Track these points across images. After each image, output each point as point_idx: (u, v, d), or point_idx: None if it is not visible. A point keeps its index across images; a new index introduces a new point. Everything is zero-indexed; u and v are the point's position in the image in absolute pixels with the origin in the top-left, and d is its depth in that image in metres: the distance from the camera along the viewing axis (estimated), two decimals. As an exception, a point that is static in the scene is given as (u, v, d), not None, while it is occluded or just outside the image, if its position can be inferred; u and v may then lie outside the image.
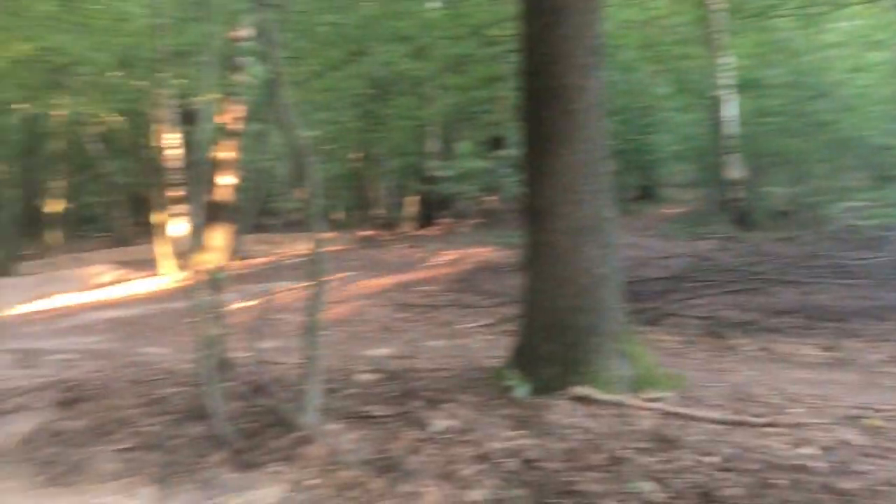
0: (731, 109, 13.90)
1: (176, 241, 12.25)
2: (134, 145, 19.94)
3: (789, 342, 5.95)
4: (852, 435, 3.24)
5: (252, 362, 4.53)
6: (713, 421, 3.46)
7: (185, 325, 7.26)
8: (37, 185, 20.18)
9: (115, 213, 20.54)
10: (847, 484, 2.74)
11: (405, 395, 4.05)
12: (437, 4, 12.39)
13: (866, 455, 3.02)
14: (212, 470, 3.43)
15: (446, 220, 16.35)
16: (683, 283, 7.90)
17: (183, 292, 9.18)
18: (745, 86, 13.98)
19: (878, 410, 3.58)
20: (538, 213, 4.05)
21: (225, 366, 4.35)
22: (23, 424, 4.57)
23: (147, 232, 18.59)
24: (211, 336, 4.03)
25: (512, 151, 10.58)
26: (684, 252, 10.07)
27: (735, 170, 13.96)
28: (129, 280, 11.71)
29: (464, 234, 14.06)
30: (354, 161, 18.07)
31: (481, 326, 6.89)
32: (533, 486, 2.98)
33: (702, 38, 14.40)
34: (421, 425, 3.54)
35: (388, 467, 3.16)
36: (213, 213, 10.76)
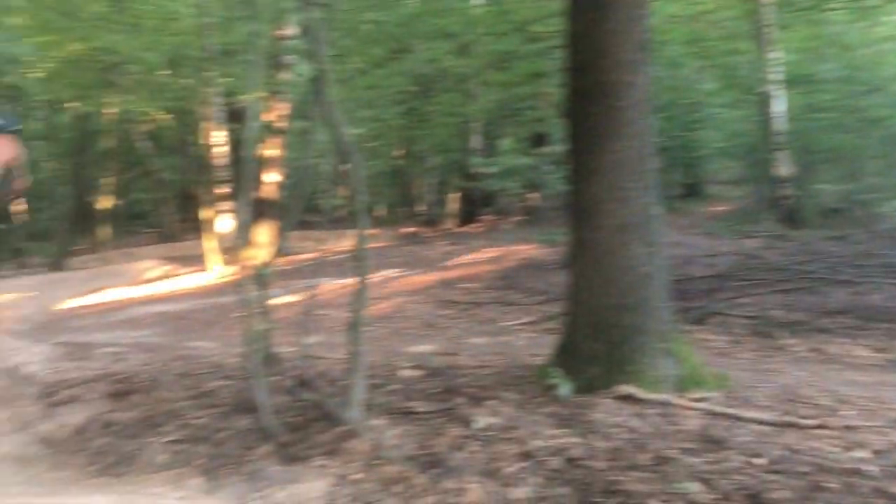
0: (780, 105, 13.63)
1: (222, 238, 12.45)
2: (181, 143, 20.33)
3: (840, 343, 5.82)
4: (906, 438, 3.16)
5: (297, 357, 4.58)
6: (761, 422, 3.40)
7: (231, 319, 7.39)
8: (88, 181, 20.67)
9: (162, 209, 20.95)
10: (901, 488, 2.68)
11: (448, 391, 4.06)
12: (481, 1, 12.39)
13: (921, 459, 2.94)
14: (258, 462, 3.48)
15: (489, 217, 16.33)
16: (730, 282, 7.78)
17: (229, 287, 9.34)
18: (795, 81, 13.71)
19: (933, 414, 3.49)
20: (583, 211, 4.03)
21: (271, 360, 4.41)
22: (75, 416, 4.69)
23: (194, 228, 18.95)
24: (258, 331, 4.09)
25: (555, 148, 10.53)
26: (731, 250, 9.90)
27: (784, 166, 13.69)
28: (177, 275, 11.94)
29: (506, 231, 14.03)
30: (397, 158, 18.16)
31: (524, 324, 6.87)
32: (577, 484, 2.96)
33: (751, 32, 14.14)
34: (464, 422, 3.54)
35: (431, 463, 3.17)
36: (259, 210, 10.93)
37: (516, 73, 11.92)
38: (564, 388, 3.77)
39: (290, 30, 11.21)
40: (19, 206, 18.95)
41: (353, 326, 3.83)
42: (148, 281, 11.59)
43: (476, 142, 16.09)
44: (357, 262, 3.96)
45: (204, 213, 13.04)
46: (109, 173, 19.53)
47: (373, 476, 3.14)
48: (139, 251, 17.06)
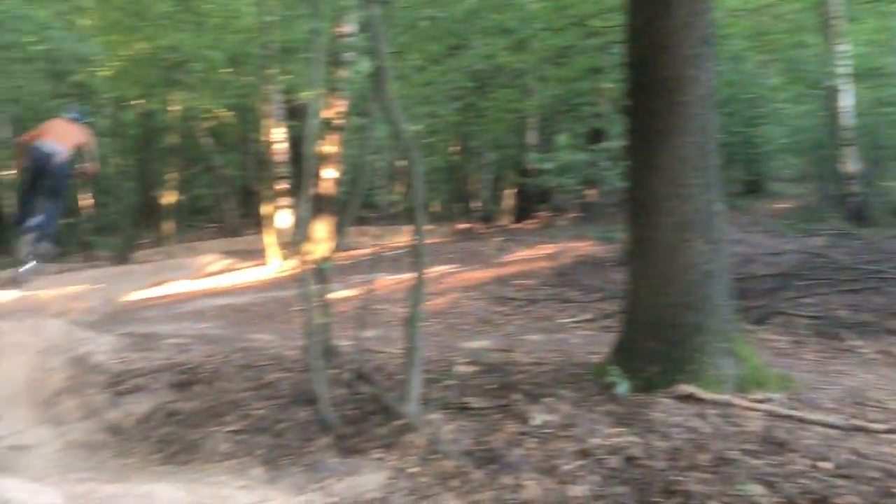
0: (847, 99, 13.22)
1: (282, 233, 12.65)
2: (242, 140, 20.70)
3: (910, 345, 5.63)
4: (981, 445, 3.04)
5: (355, 351, 4.64)
6: (827, 425, 3.32)
7: (290, 313, 7.51)
8: (152, 177, 21.22)
9: (223, 204, 21.36)
10: (976, 497, 2.58)
11: (504, 387, 4.06)
12: (539, -4, 12.34)
13: None
14: (317, 454, 3.54)
15: (544, 214, 16.24)
16: (793, 281, 7.58)
17: (289, 282, 9.49)
18: (864, 74, 13.28)
19: None
20: (643, 207, 3.98)
21: (330, 353, 4.47)
22: (140, 405, 4.83)
23: (253, 223, 19.29)
24: (317, 324, 4.16)
25: (612, 144, 10.41)
26: (794, 248, 9.65)
27: (851, 163, 13.28)
28: (238, 269, 12.15)
29: (562, 228, 13.93)
30: (452, 154, 18.19)
31: (580, 321, 6.82)
32: (635, 483, 2.94)
33: (817, 25, 13.75)
34: (520, 418, 3.54)
35: (488, 459, 3.18)
36: (317, 206, 11.07)
37: (574, 69, 11.83)
38: (622, 387, 3.74)
39: (349, 27, 11.32)
40: (86, 201, 19.58)
41: (410, 321, 3.86)
42: (210, 274, 11.82)
43: (532, 138, 16.01)
44: (414, 258, 3.98)
45: (264, 209, 13.26)
46: (173, 169, 19.99)
47: (430, 470, 3.16)
48: (201, 245, 17.43)
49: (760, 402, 3.60)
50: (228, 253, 14.35)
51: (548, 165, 11.46)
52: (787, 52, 14.53)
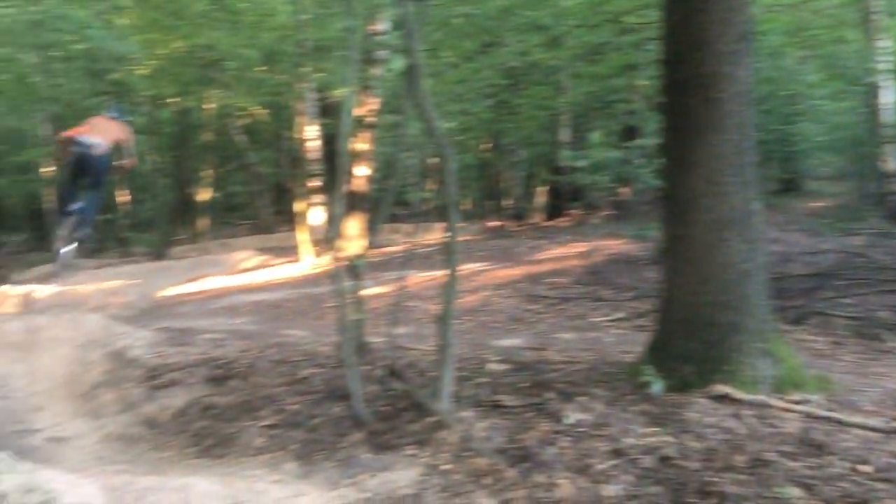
0: (888, 96, 12.96)
1: (315, 230, 12.74)
2: (276, 137, 20.88)
3: (953, 347, 5.51)
4: None
5: (387, 347, 4.65)
6: (866, 427, 3.26)
7: (323, 309, 7.57)
8: (188, 174, 21.50)
9: (257, 201, 21.58)
10: None
11: (536, 386, 4.05)
12: (573, -8, 12.23)
13: None
14: (350, 449, 3.56)
15: (577, 212, 16.15)
16: (832, 281, 7.45)
17: (321, 278, 9.55)
18: (905, 71, 13.00)
19: None
20: (679, 205, 3.93)
21: (363, 350, 4.49)
22: (176, 398, 4.89)
23: (286, 220, 19.46)
24: (351, 321, 4.18)
25: (646, 141, 10.30)
26: (833, 248, 9.48)
27: (891, 161, 13.02)
28: (271, 265, 12.27)
29: (595, 226, 13.85)
30: (484, 151, 18.16)
31: (614, 320, 6.77)
32: (670, 484, 2.91)
33: (857, 20, 13.49)
34: (554, 417, 3.53)
35: (521, 457, 3.17)
36: (350, 203, 11.13)
37: (608, 66, 11.74)
38: (657, 386, 3.70)
39: (382, 25, 11.36)
40: (123, 198, 19.89)
41: (443, 318, 3.86)
42: (244, 270, 11.96)
43: (565, 135, 15.93)
44: (447, 255, 3.98)
45: (297, 206, 13.37)
46: (208, 166, 20.24)
47: (462, 467, 3.16)
48: (235, 242, 17.63)
49: (798, 403, 3.54)
50: (262, 249, 14.50)
51: (581, 163, 11.38)
52: (826, 48, 14.29)
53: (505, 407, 3.76)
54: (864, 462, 2.89)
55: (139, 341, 5.94)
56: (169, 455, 4.24)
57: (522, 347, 5.41)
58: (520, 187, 19.27)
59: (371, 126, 11.93)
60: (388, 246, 11.69)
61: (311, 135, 13.11)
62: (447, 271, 3.93)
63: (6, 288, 10.04)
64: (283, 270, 11.42)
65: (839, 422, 3.32)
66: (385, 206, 5.33)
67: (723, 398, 3.56)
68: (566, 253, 10.59)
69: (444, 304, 3.89)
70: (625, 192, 14.66)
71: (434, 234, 13.35)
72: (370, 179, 12.29)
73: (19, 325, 6.37)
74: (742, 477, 2.87)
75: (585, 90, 13.71)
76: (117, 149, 7.14)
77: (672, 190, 4.02)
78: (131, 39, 14.04)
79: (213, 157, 20.47)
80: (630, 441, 3.23)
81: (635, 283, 8.10)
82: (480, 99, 12.98)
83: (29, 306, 8.87)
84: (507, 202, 18.49)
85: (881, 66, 12.93)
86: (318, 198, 13.32)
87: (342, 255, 4.80)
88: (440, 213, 4.09)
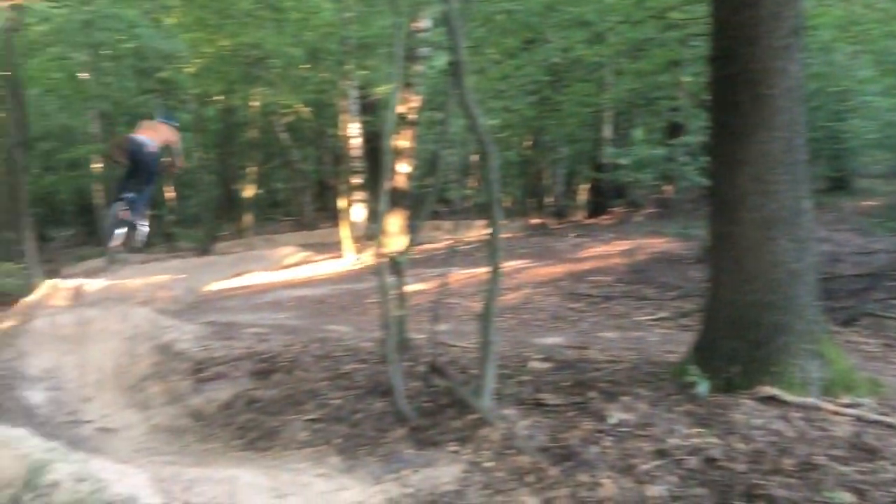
0: (943, 92, 12.59)
1: (356, 226, 12.83)
2: (318, 135, 21.07)
3: None
4: None
5: (429, 344, 4.66)
6: (920, 432, 3.17)
7: (365, 305, 7.62)
8: (232, 171, 21.80)
9: (300, 198, 21.80)
10: None
11: (579, 385, 4.02)
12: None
13: None
14: (392, 445, 3.58)
15: (619, 209, 16.00)
16: (883, 282, 7.27)
17: (363, 274, 9.62)
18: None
19: None
20: (726, 203, 3.87)
21: (405, 346, 4.52)
22: (222, 391, 4.97)
23: (329, 216, 19.62)
24: (394, 317, 4.19)
25: (691, 138, 10.15)
26: (884, 248, 9.25)
27: (946, 159, 12.65)
28: (314, 261, 12.40)
29: (638, 224, 13.70)
30: (526, 148, 18.08)
31: (657, 319, 6.69)
32: (715, 486, 2.87)
33: (911, 14, 13.09)
34: (597, 417, 3.50)
35: (564, 456, 3.16)
36: (391, 200, 11.18)
37: (652, 62, 11.58)
38: (702, 387, 3.65)
39: (425, 23, 11.38)
40: (169, 194, 20.24)
41: (486, 316, 3.86)
42: (287, 266, 12.10)
43: (607, 132, 15.79)
44: (490, 252, 3.98)
45: (340, 202, 13.47)
46: (252, 163, 20.49)
47: (505, 465, 3.16)
48: (278, 238, 17.84)
49: (848, 406, 3.46)
50: (305, 245, 14.65)
51: (624, 160, 11.26)
52: (878, 43, 13.89)
53: (547, 405, 3.75)
54: (918, 467, 2.82)
55: (186, 335, 6.05)
56: (215, 447, 4.31)
57: (564, 346, 5.38)
58: (561, 184, 19.14)
59: (413, 123, 11.97)
60: (430, 243, 11.72)
61: (353, 132, 13.20)
62: (490, 268, 3.93)
63: (57, 281, 10.29)
64: (325, 266, 11.52)
65: (891, 426, 3.24)
66: (428, 202, 5.34)
67: (770, 400, 3.49)
68: (609, 251, 10.50)
69: (486, 301, 3.88)
70: (668, 189, 14.48)
71: (475, 232, 13.35)
72: (411, 176, 12.32)
73: (70, 318, 6.54)
74: (791, 480, 2.82)
75: (629, 87, 13.56)
76: (167, 149, 7.56)
77: (719, 188, 3.96)
78: (178, 38, 14.27)
79: (257, 154, 20.72)
80: (674, 442, 3.19)
81: (679, 281, 8.00)
82: (523, 96, 12.91)
83: (79, 299, 9.09)
84: (548, 199, 18.39)
85: (936, 61, 12.56)
86: (360, 194, 13.42)
87: (385, 251, 4.82)
88: (481, 211, 4.09)
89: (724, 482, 2.87)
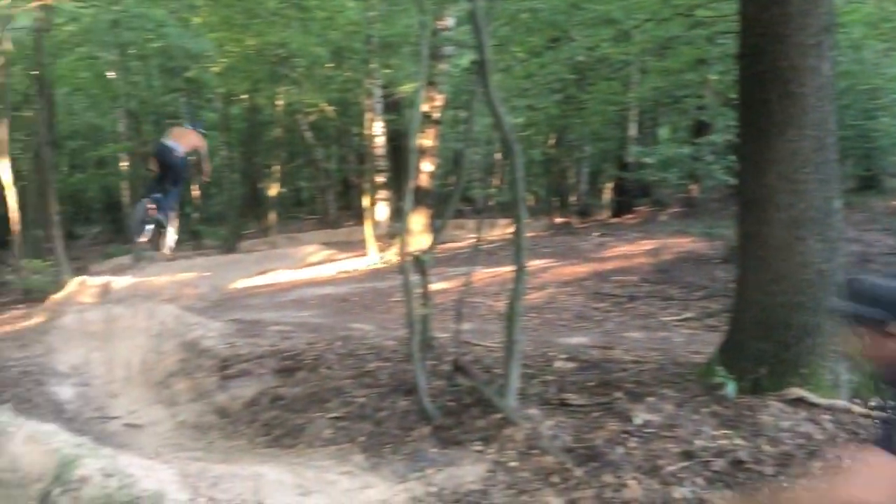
0: (976, 90, 12.37)
1: (380, 225, 12.85)
2: (342, 133, 21.13)
3: None
4: None
5: (452, 343, 4.66)
6: (954, 437, 3.11)
7: (388, 303, 7.62)
8: (257, 169, 21.93)
9: (324, 196, 21.89)
10: None
11: (604, 385, 4.00)
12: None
13: None
14: (416, 443, 3.58)
15: (644, 209, 15.88)
16: (915, 283, 7.14)
17: (386, 272, 9.63)
18: None
19: None
20: (754, 203, 3.82)
21: (428, 345, 4.51)
22: (247, 389, 5.01)
23: (352, 215, 19.67)
24: (418, 316, 4.19)
25: (717, 137, 10.05)
26: (916, 249, 9.11)
27: (980, 158, 12.43)
28: (337, 260, 12.43)
29: (663, 224, 13.59)
30: (550, 147, 18.01)
31: (683, 320, 6.63)
32: (742, 488, 2.84)
33: (944, 10, 12.87)
34: (622, 417, 3.48)
35: (588, 456, 3.14)
36: (415, 198, 11.19)
37: (679, 60, 11.48)
38: (729, 388, 3.61)
39: (449, 21, 11.37)
40: (195, 192, 20.42)
41: (511, 315, 3.85)
42: (311, 264, 12.14)
43: (632, 130, 15.68)
44: (515, 251, 3.97)
45: (363, 201, 13.50)
46: (276, 162, 20.60)
47: (529, 465, 3.15)
48: (302, 236, 17.92)
49: (878, 409, 3.41)
50: (328, 244, 14.69)
51: (649, 159, 11.18)
52: (910, 40, 13.67)
53: (572, 405, 3.73)
54: (952, 472, 2.76)
55: (211, 332, 6.10)
56: (240, 444, 4.34)
57: (589, 346, 5.35)
58: (586, 183, 19.05)
59: (436, 122, 11.96)
60: (453, 242, 11.71)
61: (376, 131, 13.23)
62: (515, 267, 3.92)
63: (85, 279, 10.42)
64: (348, 264, 11.55)
65: (923, 429, 3.18)
66: (452, 201, 5.33)
67: (798, 402, 3.45)
68: (633, 250, 10.42)
69: (511, 300, 3.87)
70: (694, 188, 14.36)
71: (498, 231, 13.33)
72: (434, 175, 12.32)
73: (97, 315, 6.62)
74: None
75: (654, 85, 13.44)
76: (194, 153, 8.20)
77: (747, 187, 3.92)
78: (205, 37, 14.37)
79: (281, 152, 20.82)
80: (701, 443, 3.17)
81: (705, 282, 7.92)
82: (547, 94, 12.85)
83: (106, 296, 9.19)
84: (572, 198, 18.30)
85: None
86: (384, 193, 13.44)
87: (409, 249, 4.82)
88: (505, 209, 4.08)
89: (751, 485, 2.84)
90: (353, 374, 4.63)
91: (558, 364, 4.58)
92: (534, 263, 9.27)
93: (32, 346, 6.13)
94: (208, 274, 10.68)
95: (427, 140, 11.78)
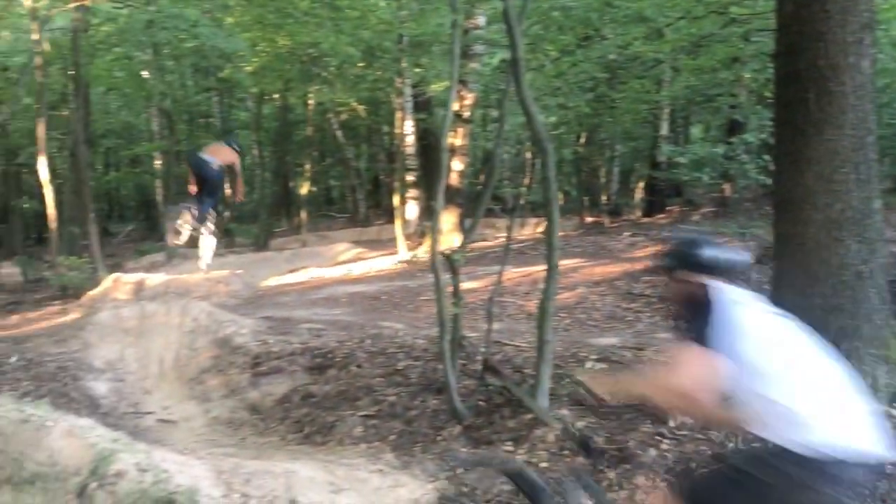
0: None
1: (410, 223, 12.87)
2: (373, 132, 21.21)
3: None
4: None
5: (483, 342, 4.65)
6: None
7: (418, 302, 7.63)
8: (288, 168, 22.09)
9: (354, 195, 21.98)
10: None
11: (636, 386, 3.96)
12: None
13: None
14: (447, 442, 3.58)
15: (676, 208, 15.73)
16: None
17: (417, 271, 9.64)
18: None
19: None
20: (791, 203, 3.76)
21: (459, 344, 4.51)
22: (279, 386, 5.05)
23: (382, 214, 19.73)
24: (448, 315, 4.19)
25: (750, 136, 9.92)
26: (956, 250, 8.89)
27: None
28: (367, 258, 12.46)
29: (695, 224, 13.45)
30: (581, 146, 17.92)
31: (715, 321, 6.54)
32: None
33: None
34: (655, 419, 3.44)
35: (621, 458, 3.12)
36: (446, 197, 11.19)
37: (713, 58, 11.35)
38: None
39: (480, 19, 11.36)
40: (226, 191, 20.61)
41: (542, 315, 3.83)
42: (341, 263, 12.19)
43: (664, 129, 15.53)
44: (547, 251, 3.95)
45: (394, 200, 13.53)
46: (307, 161, 20.74)
47: (560, 466, 3.13)
48: (333, 234, 18.01)
49: (919, 414, 3.35)
50: (358, 242, 14.75)
51: (682, 158, 11.05)
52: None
53: (603, 407, 3.70)
54: None
55: (244, 329, 6.15)
56: (272, 440, 4.38)
57: (620, 346, 5.30)
58: (617, 183, 18.92)
59: (467, 121, 11.95)
60: (483, 241, 11.70)
61: (407, 130, 13.25)
62: (546, 267, 3.90)
63: (120, 275, 10.56)
64: (378, 263, 11.58)
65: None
66: (483, 200, 5.32)
67: (836, 406, 3.38)
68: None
69: (543, 300, 3.86)
70: (727, 188, 14.19)
71: (529, 230, 13.28)
72: (464, 174, 12.31)
73: (132, 312, 6.70)
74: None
75: (687, 83, 13.30)
76: (229, 169, 8.95)
77: (783, 187, 3.85)
78: (238, 37, 14.49)
79: (312, 151, 20.94)
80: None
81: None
82: (579, 93, 12.77)
83: (140, 293, 9.30)
84: (603, 198, 18.18)
85: None
86: (414, 192, 13.45)
87: (440, 248, 4.82)
88: (535, 209, 4.06)
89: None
90: (383, 372, 4.65)
91: (590, 364, 4.55)
92: (564, 263, 9.22)
93: (69, 341, 6.22)
94: (240, 271, 10.76)
95: (457, 139, 11.78)
